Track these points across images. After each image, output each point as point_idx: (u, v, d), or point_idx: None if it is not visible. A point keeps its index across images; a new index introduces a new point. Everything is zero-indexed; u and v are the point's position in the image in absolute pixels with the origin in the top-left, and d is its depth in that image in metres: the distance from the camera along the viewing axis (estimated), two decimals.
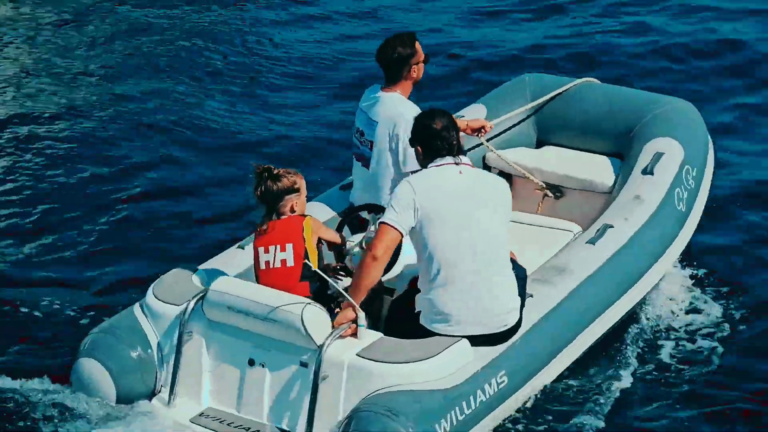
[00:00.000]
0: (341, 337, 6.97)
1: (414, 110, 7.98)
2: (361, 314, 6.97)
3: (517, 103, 9.63)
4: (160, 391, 7.38)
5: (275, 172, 7.31)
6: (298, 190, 7.34)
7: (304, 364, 7.00)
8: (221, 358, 7.27)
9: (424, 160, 7.21)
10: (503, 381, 7.09)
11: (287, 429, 7.04)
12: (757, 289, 9.16)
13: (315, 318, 6.90)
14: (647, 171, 8.73)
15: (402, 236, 7.00)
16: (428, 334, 7.08)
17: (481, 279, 7.01)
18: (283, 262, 7.25)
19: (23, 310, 8.88)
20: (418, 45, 8.15)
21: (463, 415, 6.84)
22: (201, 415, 7.20)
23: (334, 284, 6.98)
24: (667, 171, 8.75)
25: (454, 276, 6.98)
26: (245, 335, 7.17)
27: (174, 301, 7.43)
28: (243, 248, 8.01)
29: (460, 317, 7.02)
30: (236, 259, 7.93)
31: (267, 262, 7.29)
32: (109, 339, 7.38)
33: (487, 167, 9.37)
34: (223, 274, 7.63)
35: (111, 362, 7.30)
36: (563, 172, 9.21)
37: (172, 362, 7.34)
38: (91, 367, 7.31)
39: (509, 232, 7.20)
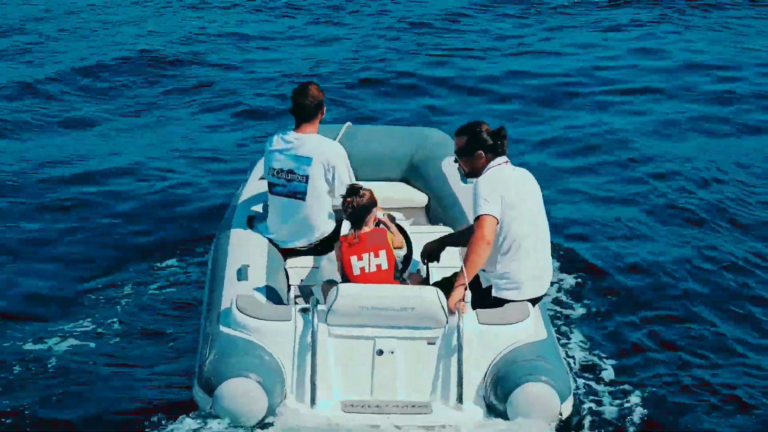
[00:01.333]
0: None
1: (336, 144, 9.59)
2: (468, 293, 8.47)
3: None
4: (286, 397, 8.26)
5: (361, 191, 8.54)
6: (376, 203, 8.63)
7: (431, 342, 8.34)
8: (348, 356, 8.33)
9: (487, 162, 8.73)
10: (552, 331, 8.95)
11: (427, 401, 8.32)
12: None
13: (444, 301, 8.32)
14: (466, 181, 10.85)
15: (498, 222, 8.59)
16: (498, 303, 8.71)
17: (539, 252, 8.76)
18: (378, 266, 8.49)
19: None
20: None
21: (563, 357, 8.64)
22: (351, 405, 8.23)
23: (462, 269, 8.44)
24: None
25: (525, 249, 8.63)
26: (369, 330, 8.32)
27: (277, 318, 8.35)
28: (246, 279, 9.02)
29: (528, 284, 8.71)
30: (249, 285, 8.93)
31: (362, 268, 8.48)
32: (242, 359, 8.13)
33: None
34: (274, 293, 8.78)
35: (257, 376, 8.05)
36: (384, 195, 10.99)
37: (301, 368, 8.27)
38: (241, 385, 8.00)
39: None
